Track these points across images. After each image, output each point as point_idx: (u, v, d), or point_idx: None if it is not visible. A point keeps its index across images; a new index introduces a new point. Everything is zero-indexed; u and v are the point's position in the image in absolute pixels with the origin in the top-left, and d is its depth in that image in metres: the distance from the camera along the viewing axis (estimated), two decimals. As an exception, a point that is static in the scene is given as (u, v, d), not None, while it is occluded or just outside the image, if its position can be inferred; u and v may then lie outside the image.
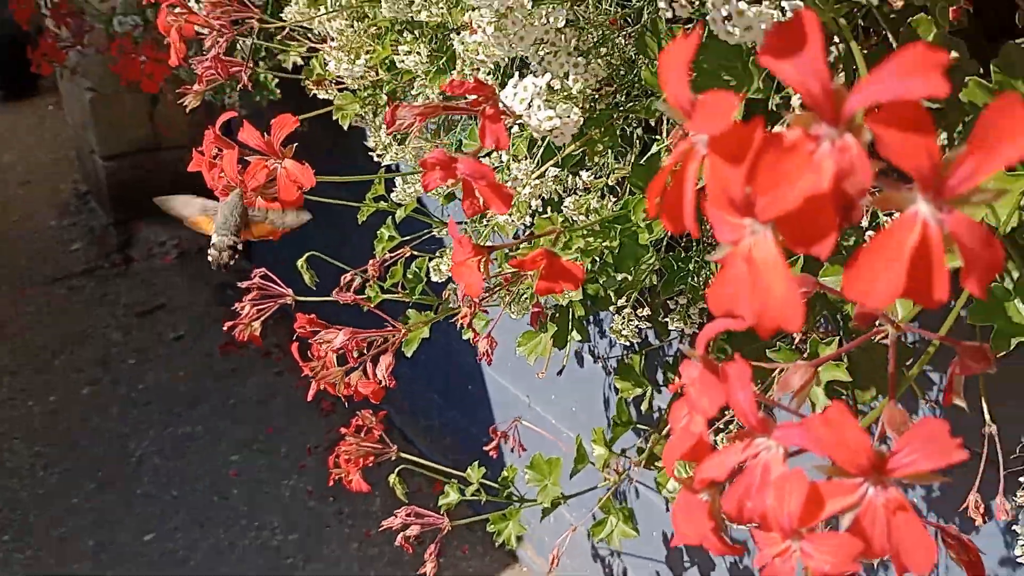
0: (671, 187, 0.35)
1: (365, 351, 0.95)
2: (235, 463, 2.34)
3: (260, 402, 2.59)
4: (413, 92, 0.90)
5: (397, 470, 1.21)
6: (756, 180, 0.31)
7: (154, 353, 2.86)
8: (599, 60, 0.63)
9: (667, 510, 1.38)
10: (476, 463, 1.28)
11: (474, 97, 0.58)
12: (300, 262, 1.15)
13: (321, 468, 2.31)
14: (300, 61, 1.86)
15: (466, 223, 1.19)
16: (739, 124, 0.32)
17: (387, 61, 1.06)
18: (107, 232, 3.64)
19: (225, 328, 1.17)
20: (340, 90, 1.12)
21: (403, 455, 1.24)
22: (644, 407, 1.13)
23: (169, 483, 2.27)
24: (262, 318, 1.18)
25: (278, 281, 1.18)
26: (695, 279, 0.73)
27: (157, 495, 2.23)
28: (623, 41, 0.67)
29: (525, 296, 0.85)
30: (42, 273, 3.37)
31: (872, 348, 0.67)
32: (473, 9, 0.67)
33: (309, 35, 1.27)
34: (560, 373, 1.27)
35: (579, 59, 0.61)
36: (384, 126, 1.01)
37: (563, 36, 0.62)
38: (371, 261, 1.23)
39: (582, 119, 0.59)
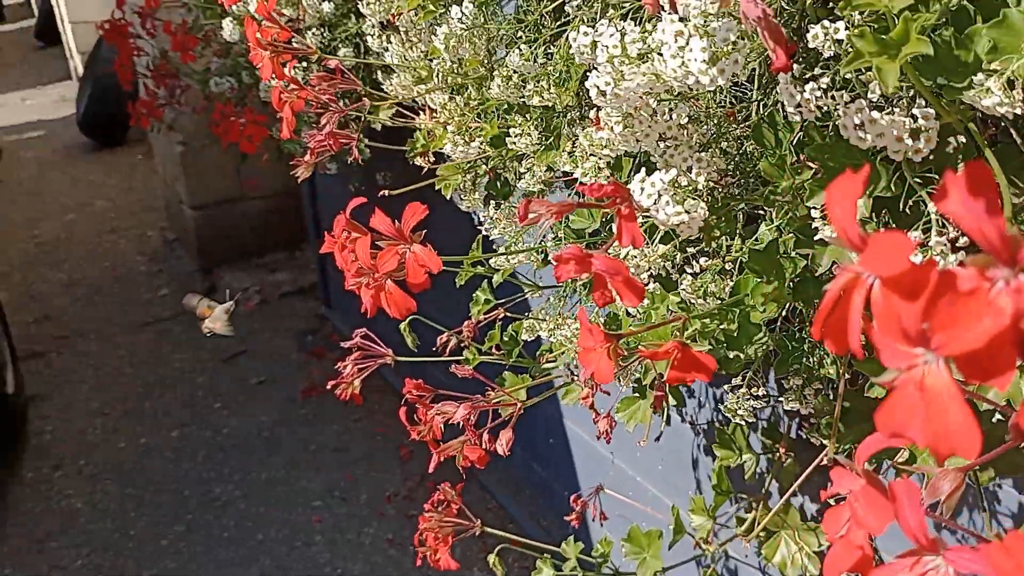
0: (836, 312, 0.37)
1: (471, 417, 0.97)
2: (316, 509, 2.38)
3: (339, 449, 2.64)
4: (521, 170, 0.94)
5: (497, 549, 1.23)
6: (934, 318, 0.33)
7: (238, 398, 2.94)
8: (718, 153, 0.65)
9: (761, 576, 1.37)
10: (571, 538, 1.28)
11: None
12: (404, 325, 1.18)
13: (400, 516, 2.34)
14: (388, 122, 1.94)
15: (560, 287, 1.22)
16: (914, 265, 0.34)
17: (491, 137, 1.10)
18: (193, 278, 3.78)
19: (329, 387, 1.21)
20: (440, 160, 1.17)
21: (488, 529, 1.26)
22: (748, 476, 1.13)
23: (254, 527, 2.32)
24: (362, 376, 1.22)
25: (378, 341, 1.22)
26: (809, 359, 0.74)
27: (242, 540, 2.28)
28: (739, 133, 0.70)
29: (637, 371, 0.86)
30: (133, 318, 3.51)
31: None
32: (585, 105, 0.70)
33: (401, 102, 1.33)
34: (652, 435, 1.28)
35: (701, 154, 0.64)
36: (491, 203, 1.05)
37: (685, 131, 0.65)
38: (466, 323, 1.26)
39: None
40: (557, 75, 0.87)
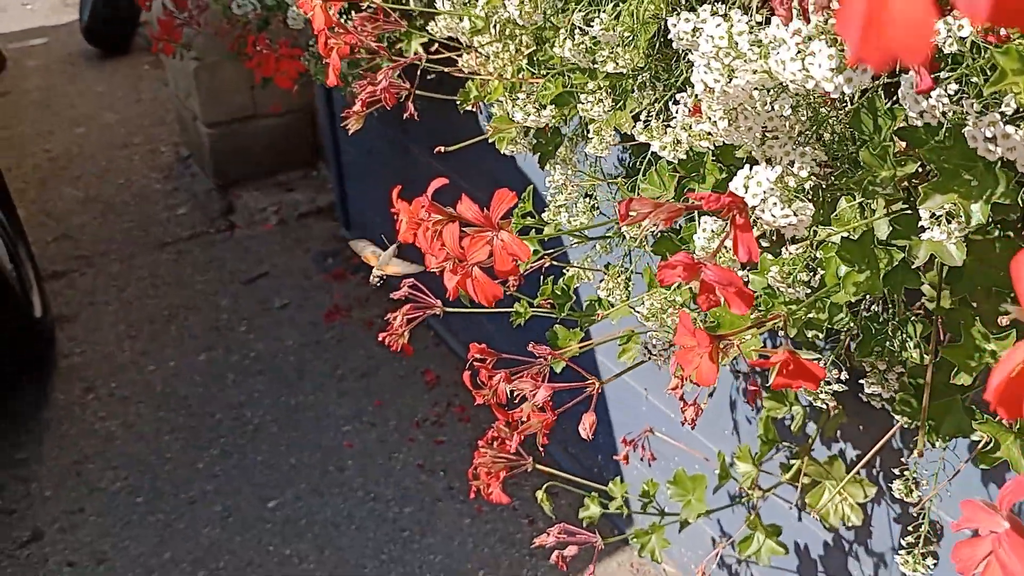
0: (1014, 381, 0.37)
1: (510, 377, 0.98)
2: (347, 434, 2.44)
3: (366, 374, 2.67)
4: (589, 135, 0.92)
5: (545, 487, 1.25)
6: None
7: (262, 321, 2.97)
8: (818, 144, 0.64)
9: (800, 520, 1.41)
10: (617, 478, 1.31)
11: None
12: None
13: (429, 441, 2.40)
14: (420, 51, 1.90)
15: (606, 238, 1.21)
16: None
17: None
18: (210, 197, 3.76)
19: (380, 338, 1.21)
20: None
21: (538, 467, 1.28)
22: (795, 428, 1.15)
23: (286, 451, 2.38)
24: (411, 327, 1.22)
25: (425, 291, 1.22)
26: (892, 342, 0.74)
27: (275, 464, 2.34)
28: (837, 120, 0.68)
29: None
30: (152, 238, 3.51)
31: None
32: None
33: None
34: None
35: (804, 148, 0.63)
36: (556, 167, 1.03)
37: (787, 123, 0.63)
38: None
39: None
40: (625, 37, 0.84)
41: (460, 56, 1.31)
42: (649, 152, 0.90)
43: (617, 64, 0.83)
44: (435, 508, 2.17)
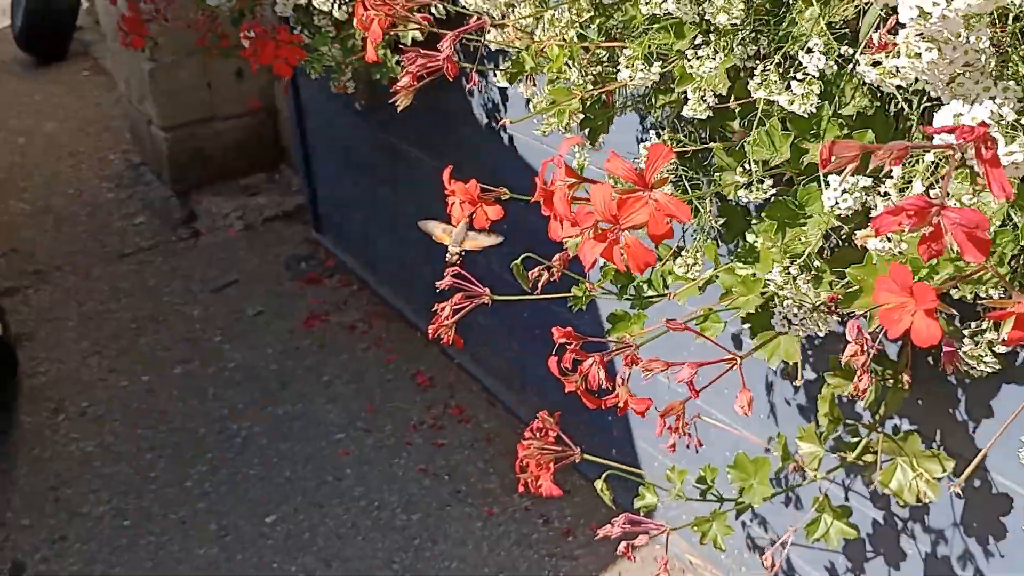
0: None
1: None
2: (341, 442, 2.34)
3: (353, 379, 2.57)
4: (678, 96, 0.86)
5: (604, 475, 1.19)
6: None
7: (237, 330, 2.84)
8: (1015, 78, 0.59)
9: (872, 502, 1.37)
10: (673, 466, 1.26)
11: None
12: (516, 263, 1.10)
13: (428, 445, 2.31)
14: (420, 36, 1.82)
15: None
16: None
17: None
18: (168, 205, 3.60)
19: (431, 331, 1.14)
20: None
21: (587, 456, 1.22)
22: (867, 403, 1.11)
23: (280, 464, 2.27)
24: (460, 317, 1.15)
25: (473, 280, 1.15)
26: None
27: (269, 477, 2.23)
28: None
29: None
30: (109, 249, 3.34)
31: None
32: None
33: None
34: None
35: (1007, 83, 0.58)
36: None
37: (982, 56, 0.58)
38: (560, 254, 1.19)
39: None
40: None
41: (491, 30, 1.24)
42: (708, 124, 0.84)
43: (730, 14, 0.77)
44: (444, 513, 2.08)
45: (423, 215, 2.49)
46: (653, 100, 0.95)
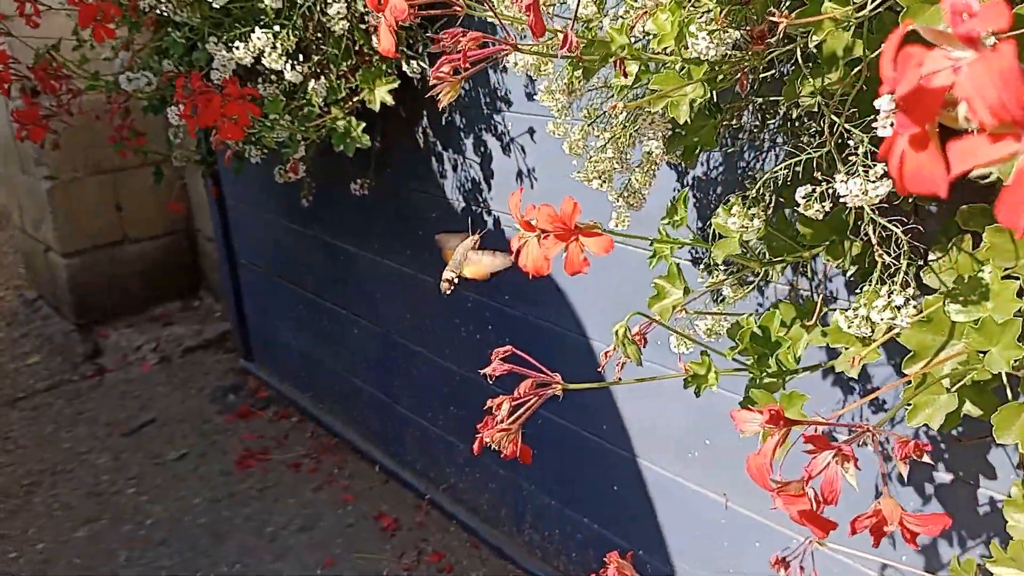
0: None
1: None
2: (295, 607, 1.89)
3: (304, 527, 2.14)
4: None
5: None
6: None
7: (156, 479, 2.38)
8: None
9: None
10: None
11: None
12: (621, 326, 0.77)
13: (406, 602, 1.88)
14: (390, 100, 1.53)
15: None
16: None
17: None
18: (70, 340, 3.14)
19: (478, 443, 0.79)
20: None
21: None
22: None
23: (219, 644, 1.80)
24: (524, 416, 0.81)
25: (535, 363, 0.81)
26: None
27: (206, 661, 1.76)
28: None
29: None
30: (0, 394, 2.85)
31: None
32: None
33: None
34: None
35: None
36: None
37: None
38: (640, 325, 0.87)
39: None
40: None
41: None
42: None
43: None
44: None
45: (380, 325, 2.14)
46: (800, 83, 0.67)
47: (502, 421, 0.79)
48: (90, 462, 2.48)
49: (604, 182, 1.02)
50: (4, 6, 2.05)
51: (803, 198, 0.68)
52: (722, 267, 0.97)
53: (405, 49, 1.49)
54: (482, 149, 1.63)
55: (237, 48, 1.41)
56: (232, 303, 2.82)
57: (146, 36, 1.90)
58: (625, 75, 0.73)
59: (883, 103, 0.47)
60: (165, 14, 1.66)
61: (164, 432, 2.62)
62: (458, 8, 0.73)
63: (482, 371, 0.83)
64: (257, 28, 1.41)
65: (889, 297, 0.65)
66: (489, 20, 0.82)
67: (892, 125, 0.44)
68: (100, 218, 3.12)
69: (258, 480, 2.34)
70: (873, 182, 0.58)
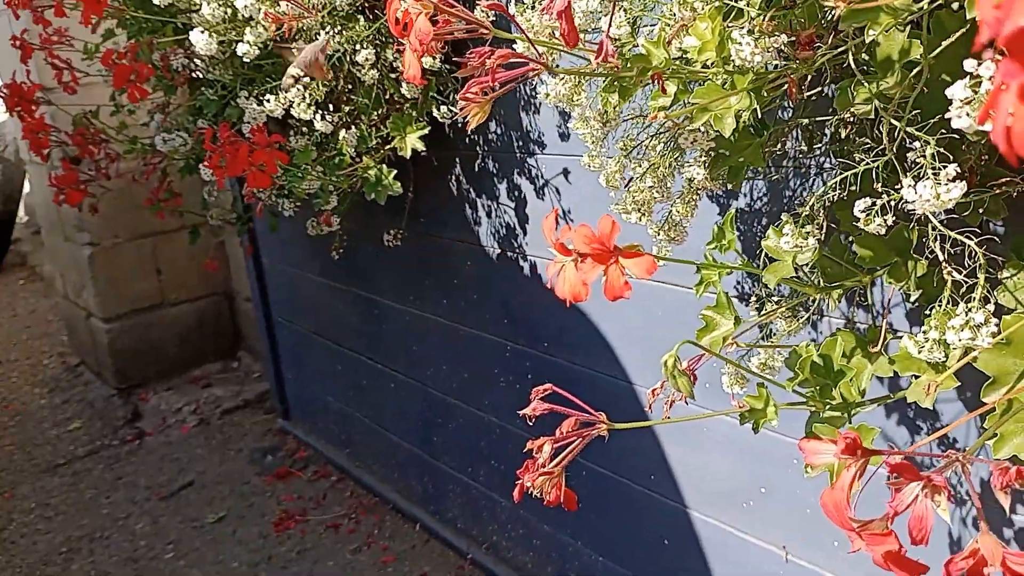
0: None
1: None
2: (335, 675, 1.81)
3: (344, 589, 2.07)
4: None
5: None
6: None
7: (194, 542, 2.33)
8: None
9: None
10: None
11: None
12: (671, 356, 0.72)
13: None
14: (421, 147, 1.52)
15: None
16: None
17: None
18: (110, 404, 3.14)
19: (518, 490, 0.74)
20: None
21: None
22: None
23: None
24: (568, 459, 0.75)
25: (577, 401, 0.76)
26: None
27: None
28: None
29: None
30: (40, 460, 2.84)
31: None
32: None
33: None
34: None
35: None
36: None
37: None
38: (690, 360, 0.82)
39: None
40: None
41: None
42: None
43: None
44: None
45: (417, 378, 2.10)
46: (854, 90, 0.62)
47: (544, 464, 0.74)
48: (128, 527, 2.44)
49: (643, 214, 0.98)
50: (44, 76, 2.09)
51: (862, 212, 0.63)
52: (773, 298, 0.91)
53: (435, 95, 1.48)
54: (516, 193, 1.60)
55: (268, 101, 1.41)
56: (270, 363, 2.80)
57: (181, 98, 1.92)
58: (664, 91, 0.69)
59: (957, 90, 0.42)
60: (198, 73, 1.68)
61: (202, 495, 2.58)
62: (485, 31, 0.70)
63: (521, 412, 0.78)
64: (287, 80, 1.41)
65: (967, 315, 0.59)
66: (519, 45, 0.79)
67: (993, 78, 0.39)
68: (140, 282, 3.14)
69: (297, 542, 2.28)
70: (944, 184, 0.53)
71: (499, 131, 1.58)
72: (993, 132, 0.27)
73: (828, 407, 0.70)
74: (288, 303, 2.63)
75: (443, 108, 1.47)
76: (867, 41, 0.58)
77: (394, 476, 2.36)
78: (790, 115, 0.84)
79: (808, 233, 0.67)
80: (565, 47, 0.59)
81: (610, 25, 0.59)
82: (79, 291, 3.22)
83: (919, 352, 0.66)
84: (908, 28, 0.61)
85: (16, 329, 4.13)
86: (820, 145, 0.95)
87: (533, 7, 0.96)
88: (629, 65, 0.66)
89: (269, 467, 2.68)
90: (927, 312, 0.68)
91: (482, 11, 0.77)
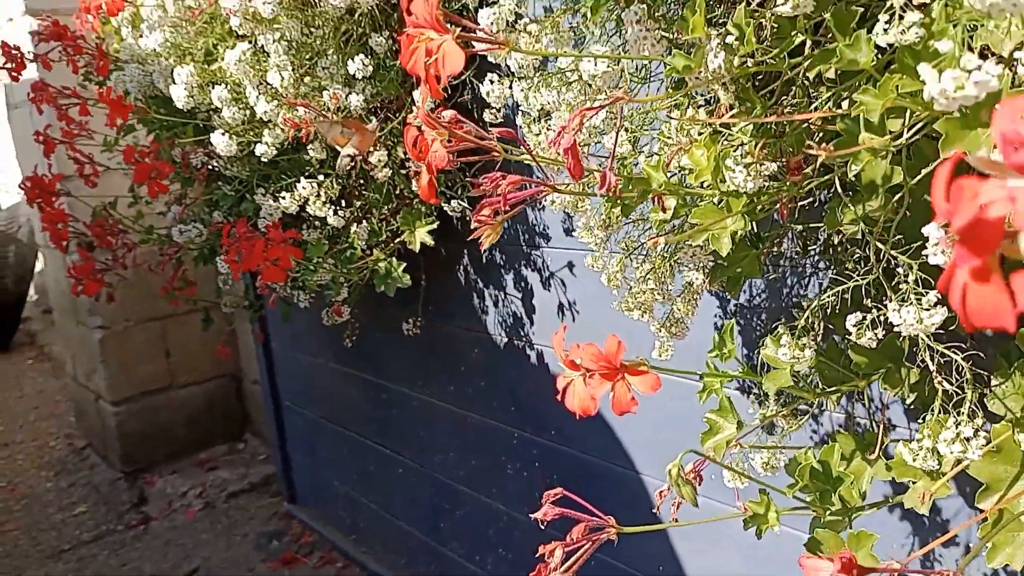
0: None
1: None
2: None
3: None
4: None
5: None
6: None
7: (199, 632, 2.31)
8: None
9: None
10: None
11: None
12: (675, 465, 0.75)
13: None
14: (430, 241, 1.56)
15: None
16: None
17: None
18: (116, 488, 3.14)
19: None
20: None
21: None
22: None
23: None
24: (577, 566, 0.77)
25: (587, 505, 0.78)
26: None
27: None
28: None
29: None
30: (44, 546, 2.82)
31: None
32: None
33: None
34: None
35: None
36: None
37: None
38: (694, 463, 0.84)
39: None
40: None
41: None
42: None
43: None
44: None
45: (425, 464, 2.11)
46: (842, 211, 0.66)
47: (555, 569, 0.76)
48: (132, 616, 2.42)
49: (644, 312, 1.01)
50: (63, 166, 2.16)
51: (854, 327, 0.66)
52: (774, 398, 0.94)
53: (445, 190, 1.53)
54: (522, 284, 1.64)
55: (283, 198, 1.46)
56: (277, 446, 2.81)
57: (197, 190, 1.99)
58: (664, 209, 0.73)
59: (932, 230, 0.46)
60: (216, 169, 1.74)
61: (208, 582, 2.56)
62: (496, 154, 0.75)
63: (532, 514, 0.80)
64: (303, 179, 1.47)
65: (957, 428, 0.61)
66: (527, 162, 0.84)
67: (946, 254, 0.43)
68: (149, 365, 3.17)
69: (303, 631, 2.26)
70: (927, 310, 0.57)
71: (506, 225, 1.63)
72: (951, 301, 0.31)
73: (829, 512, 0.73)
74: (297, 387, 2.66)
75: (452, 203, 1.52)
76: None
77: (401, 563, 2.34)
78: (784, 224, 0.88)
79: (804, 345, 0.70)
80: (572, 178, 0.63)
81: (612, 157, 0.64)
82: (89, 375, 3.25)
83: (913, 460, 0.68)
84: (890, 155, 0.65)
85: (23, 410, 4.15)
86: (815, 247, 0.99)
87: (538, 120, 1.01)
88: (631, 187, 0.70)
89: (275, 552, 2.66)
90: (922, 418, 0.71)
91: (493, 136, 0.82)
